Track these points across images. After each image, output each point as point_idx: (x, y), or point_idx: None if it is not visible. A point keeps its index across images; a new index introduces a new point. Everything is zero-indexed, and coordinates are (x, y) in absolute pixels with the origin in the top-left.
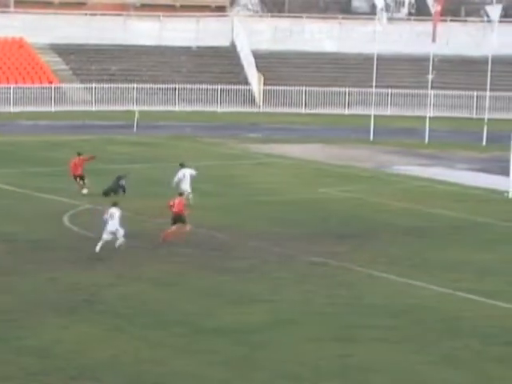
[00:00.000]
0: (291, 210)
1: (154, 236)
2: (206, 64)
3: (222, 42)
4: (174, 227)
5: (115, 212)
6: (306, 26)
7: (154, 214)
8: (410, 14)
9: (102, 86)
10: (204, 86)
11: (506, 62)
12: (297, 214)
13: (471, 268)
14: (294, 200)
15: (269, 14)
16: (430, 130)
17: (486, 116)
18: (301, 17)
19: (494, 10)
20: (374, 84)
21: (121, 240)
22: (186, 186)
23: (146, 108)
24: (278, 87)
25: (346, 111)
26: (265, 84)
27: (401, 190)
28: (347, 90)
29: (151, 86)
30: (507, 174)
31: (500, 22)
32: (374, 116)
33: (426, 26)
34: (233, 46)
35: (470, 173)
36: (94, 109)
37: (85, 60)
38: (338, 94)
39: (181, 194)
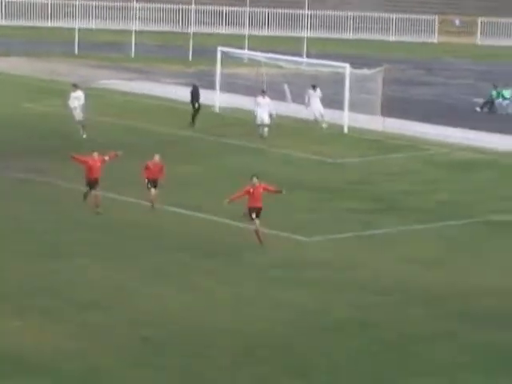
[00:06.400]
0: None
1: None
2: None
3: None
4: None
5: None
6: None
7: None
8: None
9: None
10: None
11: None
12: (1, 131)
13: (176, 181)
14: None
15: None
16: (136, 44)
17: (192, 30)
18: None
19: None
20: None
21: None
22: None
23: None
24: None
25: (49, 24)
26: None
27: (106, 105)
28: (50, 1)
29: None
30: (213, 88)
31: None
32: (79, 29)
33: None
34: None
35: (176, 87)
36: None
37: None
38: (39, 5)
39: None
